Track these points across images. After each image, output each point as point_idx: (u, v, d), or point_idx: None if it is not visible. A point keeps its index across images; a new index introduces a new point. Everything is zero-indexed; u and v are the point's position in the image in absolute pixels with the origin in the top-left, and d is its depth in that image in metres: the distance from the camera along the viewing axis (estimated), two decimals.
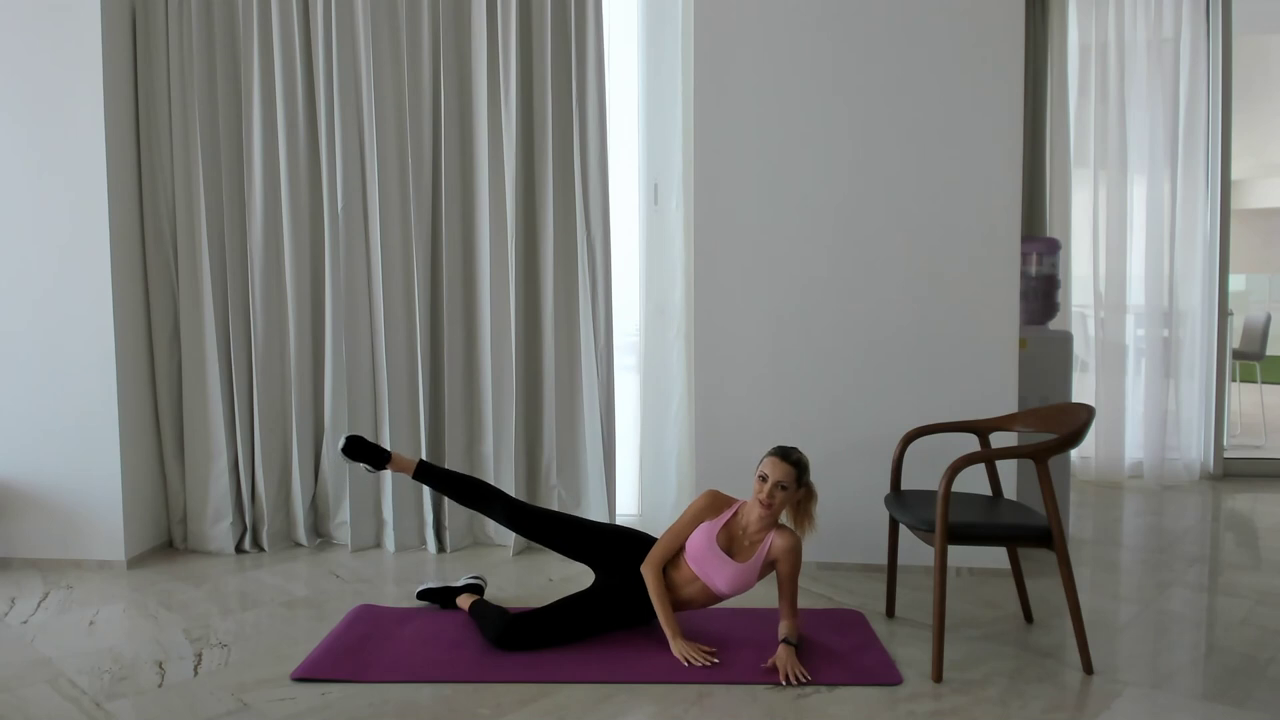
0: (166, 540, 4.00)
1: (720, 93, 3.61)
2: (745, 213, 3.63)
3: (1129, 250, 5.24)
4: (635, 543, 3.03)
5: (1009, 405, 3.48)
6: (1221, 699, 2.57)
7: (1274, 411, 6.95)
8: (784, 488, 2.78)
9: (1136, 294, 5.26)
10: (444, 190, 3.89)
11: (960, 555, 3.47)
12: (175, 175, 3.86)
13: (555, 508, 3.98)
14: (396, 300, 3.93)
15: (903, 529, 3.16)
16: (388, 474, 3.93)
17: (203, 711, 2.51)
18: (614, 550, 3.03)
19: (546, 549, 3.40)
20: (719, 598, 2.90)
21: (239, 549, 3.94)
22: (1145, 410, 5.21)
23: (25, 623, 3.17)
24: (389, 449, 3.26)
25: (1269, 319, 6.60)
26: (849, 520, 3.49)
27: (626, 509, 4.12)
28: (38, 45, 3.61)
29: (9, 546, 3.75)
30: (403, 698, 2.58)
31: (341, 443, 3.20)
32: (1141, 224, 5.21)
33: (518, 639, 2.85)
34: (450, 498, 3.33)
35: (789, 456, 2.82)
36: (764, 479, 2.80)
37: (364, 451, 3.20)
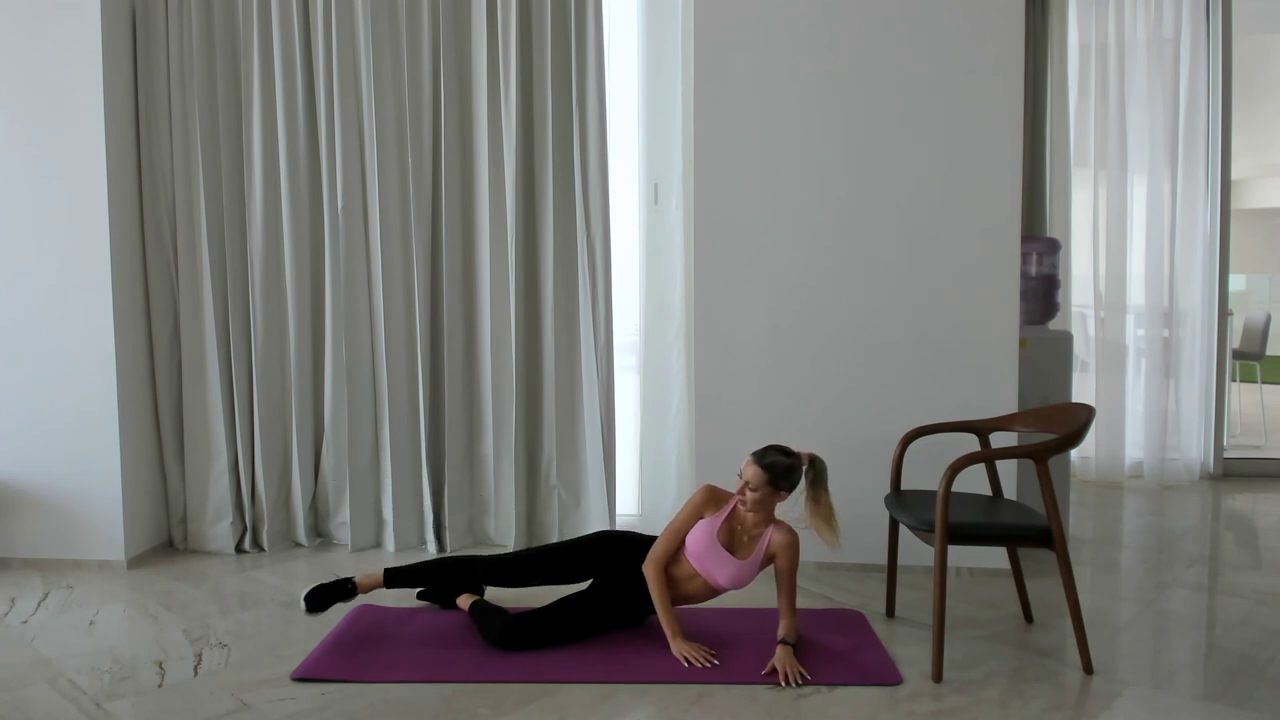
0: (166, 540, 4.00)
1: (720, 93, 3.61)
2: (745, 213, 3.63)
3: (1129, 250, 5.24)
4: (625, 544, 3.03)
5: (1009, 405, 3.48)
6: (1221, 699, 2.57)
7: (1274, 411, 6.94)
8: (753, 489, 2.80)
9: (1136, 294, 5.26)
10: (444, 190, 3.89)
11: (960, 555, 3.47)
12: (175, 175, 3.86)
13: (555, 508, 3.98)
14: (396, 300, 3.93)
15: (903, 529, 3.16)
16: (388, 477, 3.93)
17: (203, 711, 2.51)
18: (605, 558, 3.03)
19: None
20: (719, 592, 2.91)
21: (239, 549, 3.94)
22: (1145, 410, 5.21)
23: (25, 623, 3.17)
24: (348, 577, 3.13)
25: (1269, 319, 6.60)
26: (849, 520, 3.46)
27: (626, 509, 4.12)
28: (38, 45, 3.60)
29: (9, 546, 3.75)
30: (403, 698, 2.58)
31: (303, 605, 3.05)
32: (1141, 224, 5.21)
33: (518, 639, 2.85)
34: (429, 587, 3.24)
35: (762, 460, 2.81)
36: (740, 477, 2.84)
37: (329, 594, 3.08)
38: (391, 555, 3.90)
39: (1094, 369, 5.30)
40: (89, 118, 3.61)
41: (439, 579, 3.16)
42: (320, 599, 3.07)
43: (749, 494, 2.80)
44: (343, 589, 3.09)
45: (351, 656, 2.82)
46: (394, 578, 3.13)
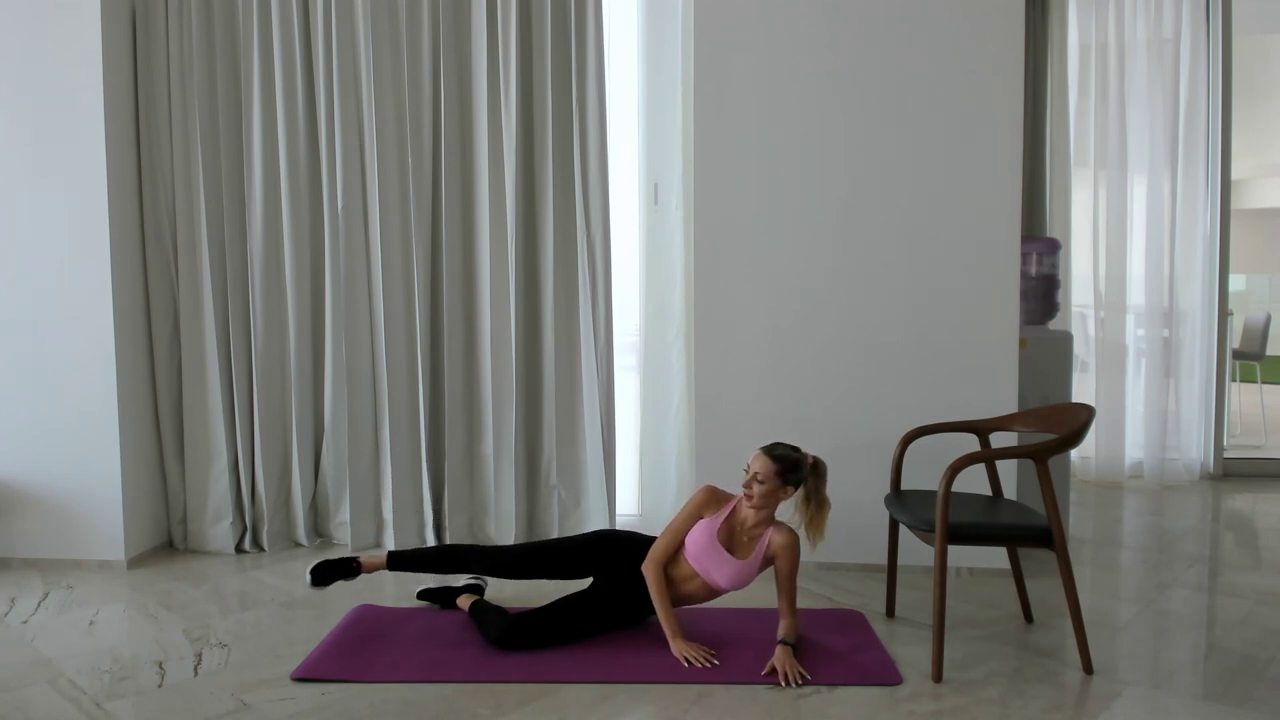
0: (166, 540, 4.00)
1: (720, 93, 3.61)
2: (745, 213, 3.63)
3: (1129, 250, 5.24)
4: (625, 544, 3.03)
5: (1009, 405, 3.48)
6: (1221, 699, 2.57)
7: (1274, 411, 6.94)
8: (760, 481, 2.79)
9: (1136, 294, 5.27)
10: (444, 190, 3.89)
11: (960, 555, 3.47)
12: (175, 175, 3.86)
13: (555, 508, 3.98)
14: (396, 300, 3.93)
15: (903, 529, 3.16)
16: (388, 477, 3.93)
17: (203, 711, 2.51)
18: (606, 557, 3.02)
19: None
20: (718, 593, 2.91)
21: (239, 549, 3.94)
22: (1145, 410, 5.22)
23: (25, 623, 3.17)
24: (354, 556, 3.20)
25: (1269, 319, 6.60)
26: (849, 520, 3.48)
27: (626, 509, 4.12)
28: (38, 45, 3.60)
29: (9, 546, 3.75)
30: (403, 698, 2.58)
31: (308, 578, 3.09)
32: (1141, 224, 5.21)
33: (518, 639, 2.85)
34: (431, 573, 3.25)
35: (772, 451, 2.82)
36: (746, 471, 2.83)
37: (333, 571, 3.11)
38: None
39: (1094, 369, 5.30)
40: (89, 118, 3.61)
41: (441, 567, 3.17)
42: (325, 574, 3.10)
43: (756, 487, 2.79)
44: (347, 567, 3.12)
45: (351, 656, 2.82)
46: (397, 561, 3.15)
